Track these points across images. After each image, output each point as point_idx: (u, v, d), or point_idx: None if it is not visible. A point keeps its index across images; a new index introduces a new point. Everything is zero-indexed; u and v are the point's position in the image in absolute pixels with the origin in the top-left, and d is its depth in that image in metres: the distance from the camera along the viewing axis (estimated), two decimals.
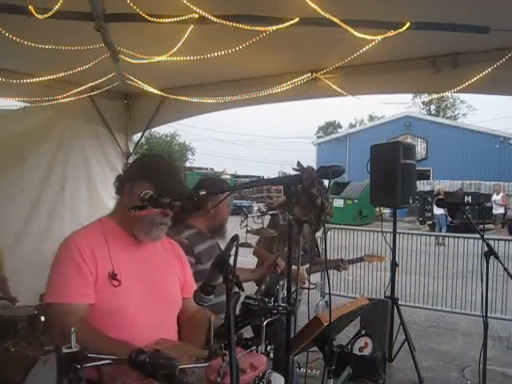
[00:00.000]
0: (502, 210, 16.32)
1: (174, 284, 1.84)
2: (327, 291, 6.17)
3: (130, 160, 5.80)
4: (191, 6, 2.65)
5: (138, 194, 1.61)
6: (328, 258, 4.63)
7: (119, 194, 1.77)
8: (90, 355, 1.23)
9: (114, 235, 1.70)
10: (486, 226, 14.43)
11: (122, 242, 1.71)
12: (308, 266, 3.64)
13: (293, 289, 3.40)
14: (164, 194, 1.56)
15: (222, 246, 2.73)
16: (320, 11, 2.62)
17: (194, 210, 2.52)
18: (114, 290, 1.60)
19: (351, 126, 43.71)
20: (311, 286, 3.64)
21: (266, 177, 24.60)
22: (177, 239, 2.49)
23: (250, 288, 2.84)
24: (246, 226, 2.86)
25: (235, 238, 1.42)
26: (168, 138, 37.02)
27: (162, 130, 35.63)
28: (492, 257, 2.72)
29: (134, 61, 3.60)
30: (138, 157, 1.99)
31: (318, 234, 3.98)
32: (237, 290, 1.62)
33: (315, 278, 4.27)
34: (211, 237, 2.66)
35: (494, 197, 16.51)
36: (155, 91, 4.77)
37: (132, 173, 1.77)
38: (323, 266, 3.72)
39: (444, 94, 4.62)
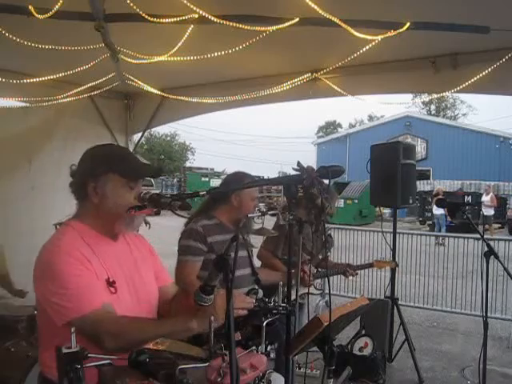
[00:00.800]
0: (491, 211, 15.48)
1: (151, 279, 1.82)
2: (327, 291, 6.16)
3: None
4: (191, 6, 2.64)
5: (110, 189, 1.60)
6: (336, 261, 4.59)
7: (82, 198, 1.66)
8: (89, 355, 1.23)
9: (91, 238, 1.63)
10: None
11: (100, 243, 1.64)
12: (314, 270, 3.59)
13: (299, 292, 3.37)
14: (132, 177, 1.59)
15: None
16: (320, 11, 2.62)
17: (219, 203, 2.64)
18: (112, 298, 1.57)
19: (351, 126, 43.70)
20: (316, 292, 3.61)
21: (266, 177, 24.57)
22: (192, 226, 2.55)
23: None
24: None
25: (235, 238, 1.42)
26: (168, 138, 37.07)
27: (162, 130, 35.74)
28: (492, 257, 2.72)
29: (134, 61, 3.60)
30: (86, 153, 1.72)
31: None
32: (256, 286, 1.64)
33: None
34: (236, 230, 2.69)
35: (484, 197, 15.87)
36: (155, 91, 4.77)
37: (90, 171, 1.63)
38: (330, 271, 3.68)
39: (444, 94, 4.61)
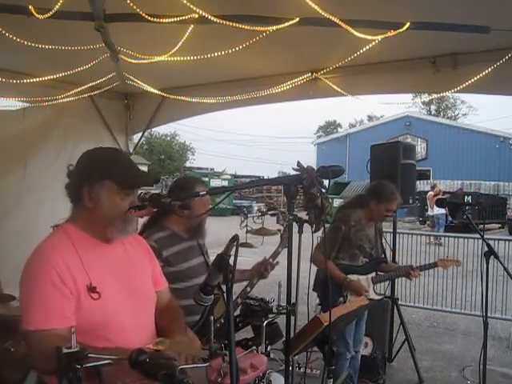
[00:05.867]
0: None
1: (147, 281, 1.80)
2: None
3: None
4: (191, 6, 2.64)
5: (104, 196, 1.58)
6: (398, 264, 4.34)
7: (76, 201, 1.64)
8: (90, 355, 1.22)
9: (81, 242, 1.61)
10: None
11: (91, 247, 1.62)
12: (373, 274, 3.44)
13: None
14: (128, 186, 1.58)
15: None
16: (320, 11, 2.62)
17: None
18: (96, 304, 1.54)
19: (351, 126, 43.71)
20: (377, 297, 3.43)
21: (266, 177, 24.59)
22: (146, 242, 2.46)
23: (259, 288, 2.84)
24: (246, 225, 2.85)
25: (235, 238, 1.42)
26: (168, 138, 37.08)
27: (162, 130, 35.77)
28: (492, 257, 2.72)
29: (134, 61, 3.60)
30: (84, 156, 1.70)
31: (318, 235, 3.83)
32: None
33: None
34: (190, 237, 2.60)
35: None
36: (155, 91, 4.77)
37: (86, 175, 1.61)
38: (392, 275, 3.52)
39: (444, 94, 4.61)
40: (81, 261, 1.57)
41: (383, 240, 3.70)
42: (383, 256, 3.67)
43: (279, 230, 2.87)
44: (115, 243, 1.70)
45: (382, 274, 3.50)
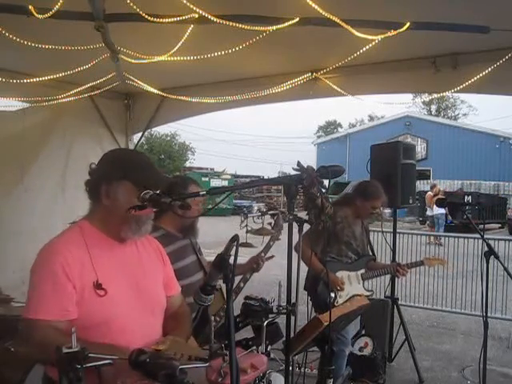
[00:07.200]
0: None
1: (158, 283, 1.80)
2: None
3: None
4: (191, 6, 2.65)
5: (120, 195, 1.61)
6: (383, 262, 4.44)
7: (94, 198, 1.68)
8: (90, 355, 1.22)
9: (93, 240, 1.63)
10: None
11: (103, 245, 1.65)
12: (363, 271, 3.55)
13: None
14: (145, 188, 1.56)
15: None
16: (320, 11, 2.62)
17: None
18: (101, 301, 1.55)
19: (351, 125, 43.64)
20: (367, 293, 3.51)
21: (265, 177, 24.59)
22: None
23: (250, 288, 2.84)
24: (246, 225, 2.84)
25: (235, 238, 1.43)
26: (168, 138, 37.01)
27: (162, 130, 35.57)
28: (492, 257, 2.72)
29: (134, 61, 3.60)
30: (106, 155, 1.76)
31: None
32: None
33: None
34: (183, 236, 2.62)
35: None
36: (155, 91, 4.77)
37: (105, 174, 1.65)
38: (381, 271, 3.62)
39: (444, 93, 4.62)
40: (90, 257, 1.59)
41: (383, 240, 3.73)
42: (371, 253, 3.79)
43: (270, 224, 2.91)
44: (128, 244, 1.72)
45: (371, 271, 3.61)
